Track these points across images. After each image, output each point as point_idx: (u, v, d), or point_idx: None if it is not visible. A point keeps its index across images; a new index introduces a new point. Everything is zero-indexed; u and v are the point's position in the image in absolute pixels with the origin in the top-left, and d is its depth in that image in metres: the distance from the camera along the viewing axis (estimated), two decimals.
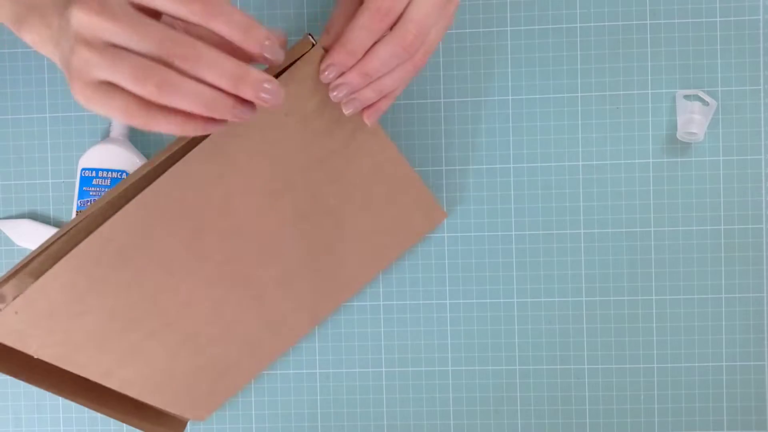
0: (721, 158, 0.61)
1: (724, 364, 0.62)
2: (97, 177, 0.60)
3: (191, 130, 0.39)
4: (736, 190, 0.61)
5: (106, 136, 0.63)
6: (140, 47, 0.37)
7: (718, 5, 0.61)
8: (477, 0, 0.62)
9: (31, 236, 0.63)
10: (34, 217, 0.64)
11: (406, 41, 0.43)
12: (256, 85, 0.37)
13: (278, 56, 0.39)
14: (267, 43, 0.38)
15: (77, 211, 0.61)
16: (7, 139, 0.64)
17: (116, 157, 0.60)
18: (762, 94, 0.61)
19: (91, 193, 0.60)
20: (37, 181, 0.64)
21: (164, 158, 0.45)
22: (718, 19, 0.61)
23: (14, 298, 0.45)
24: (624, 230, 0.62)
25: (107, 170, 0.60)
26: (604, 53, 0.62)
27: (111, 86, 0.37)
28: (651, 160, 0.62)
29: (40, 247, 0.44)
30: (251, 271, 0.52)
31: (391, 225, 0.57)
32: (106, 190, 0.60)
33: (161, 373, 0.54)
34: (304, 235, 0.52)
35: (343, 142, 0.49)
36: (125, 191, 0.45)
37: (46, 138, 0.64)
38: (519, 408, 0.63)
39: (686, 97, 0.61)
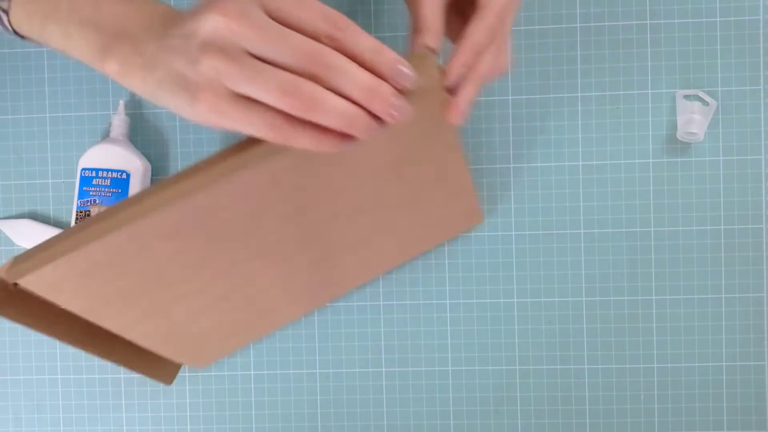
0: (721, 158, 0.61)
1: (724, 364, 0.62)
2: (97, 177, 0.60)
3: (326, 146, 0.37)
4: (736, 190, 0.61)
5: (106, 136, 0.63)
6: (284, 59, 0.35)
7: (718, 5, 0.61)
8: None
9: (31, 236, 0.63)
10: (34, 217, 0.64)
11: (495, 31, 0.43)
12: (387, 99, 0.36)
13: (408, 81, 0.38)
14: (399, 66, 0.37)
15: (78, 212, 0.60)
16: (7, 139, 0.64)
17: (116, 157, 0.60)
18: (762, 94, 0.61)
19: (91, 193, 0.60)
20: (37, 181, 0.64)
21: (223, 156, 0.44)
22: (718, 19, 0.61)
23: (60, 256, 0.45)
24: (624, 230, 0.62)
25: (107, 170, 0.60)
26: (604, 53, 0.62)
27: (249, 99, 0.36)
28: (651, 160, 0.62)
29: (92, 219, 0.45)
30: (292, 253, 0.53)
31: (435, 219, 0.57)
32: (106, 189, 0.60)
33: (178, 329, 0.56)
34: (349, 222, 0.53)
35: (416, 144, 0.49)
36: (184, 179, 0.44)
37: (46, 138, 0.64)
38: (519, 408, 0.63)
39: (686, 97, 0.61)
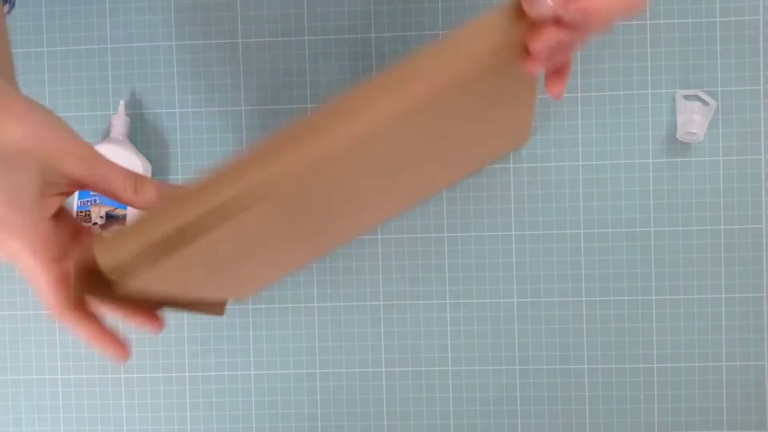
0: (721, 158, 0.61)
1: (724, 364, 0.62)
2: None
3: None
4: (736, 190, 0.61)
5: (106, 136, 0.63)
6: None
7: (718, 5, 0.61)
8: (477, 1, 0.62)
9: None
10: None
11: None
12: None
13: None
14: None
15: (78, 212, 0.60)
16: None
17: (117, 157, 0.60)
18: (762, 94, 0.61)
19: (91, 193, 0.60)
20: None
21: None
22: (718, 19, 0.61)
23: (176, 249, 0.41)
24: (624, 230, 0.62)
25: None
26: (604, 53, 0.62)
27: None
28: (651, 160, 0.62)
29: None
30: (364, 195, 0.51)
31: (491, 138, 0.55)
32: None
33: (243, 280, 0.55)
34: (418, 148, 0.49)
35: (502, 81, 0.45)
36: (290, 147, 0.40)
37: None
38: (519, 408, 0.63)
39: (686, 97, 0.61)
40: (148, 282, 0.43)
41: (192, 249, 0.41)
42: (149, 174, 0.62)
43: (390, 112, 0.40)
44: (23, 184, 0.40)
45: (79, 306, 0.42)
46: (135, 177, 0.44)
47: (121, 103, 0.62)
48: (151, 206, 0.43)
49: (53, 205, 0.42)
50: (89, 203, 0.60)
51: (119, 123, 0.61)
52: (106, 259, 0.40)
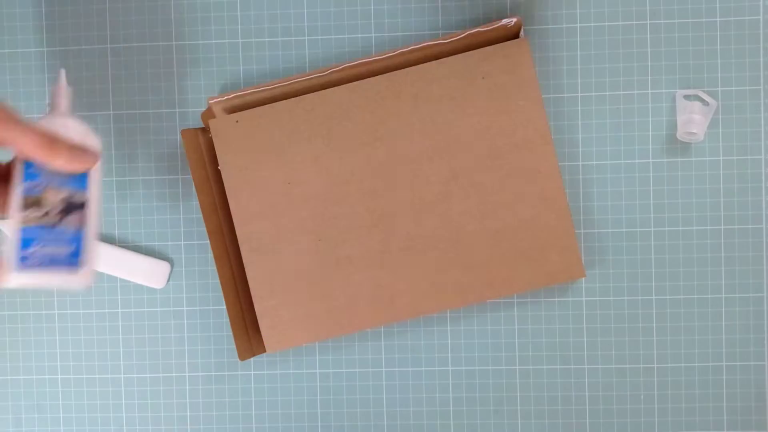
0: (721, 158, 0.61)
1: (724, 364, 0.62)
2: None
3: None
4: (736, 190, 0.61)
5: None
6: None
7: (718, 5, 0.61)
8: (477, 1, 0.62)
9: None
10: None
11: None
12: None
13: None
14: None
15: (26, 197, 0.47)
16: None
17: (70, 132, 0.49)
18: (762, 94, 0.61)
19: (40, 176, 0.51)
20: None
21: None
22: (718, 19, 0.61)
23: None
24: (624, 230, 0.62)
25: None
26: (604, 53, 0.62)
27: None
28: (651, 160, 0.62)
29: None
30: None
31: (527, 254, 0.59)
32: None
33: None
34: (449, 224, 0.59)
35: (515, 143, 0.58)
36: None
37: None
38: (519, 408, 0.63)
39: (686, 97, 0.61)
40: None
41: None
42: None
43: None
44: None
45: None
46: (51, 137, 0.46)
47: (62, 71, 0.51)
48: (62, 166, 0.46)
49: None
50: (40, 188, 0.48)
51: (63, 94, 0.51)
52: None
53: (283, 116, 0.59)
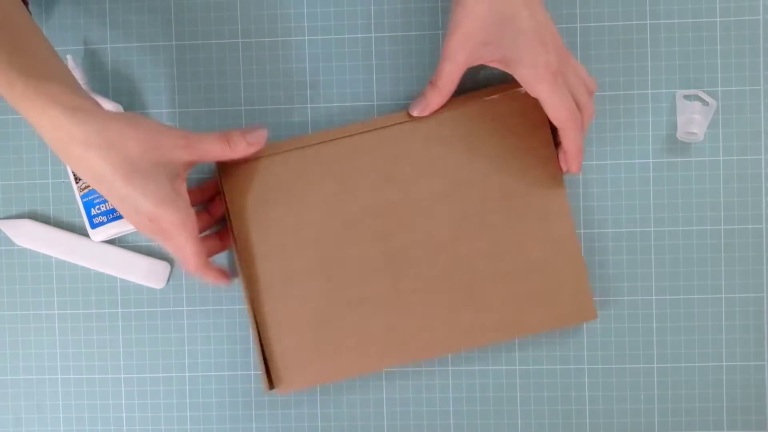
0: (721, 158, 0.61)
1: (724, 364, 0.62)
2: None
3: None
4: (736, 190, 0.61)
5: None
6: None
7: (718, 5, 0.61)
8: None
9: (31, 236, 0.63)
10: (34, 217, 0.64)
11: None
12: None
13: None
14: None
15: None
16: (7, 139, 0.64)
17: None
18: (762, 94, 0.61)
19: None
20: (37, 181, 0.64)
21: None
22: (718, 19, 0.61)
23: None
24: (624, 230, 0.62)
25: None
26: (604, 53, 0.62)
27: None
28: (651, 160, 0.62)
29: None
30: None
31: (539, 296, 0.59)
32: None
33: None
34: (460, 264, 0.59)
35: (526, 188, 0.59)
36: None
37: None
38: (519, 408, 0.63)
39: (686, 97, 0.61)
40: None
41: None
42: None
43: None
44: (165, 186, 0.50)
45: (208, 263, 0.55)
46: (225, 137, 0.53)
47: (69, 57, 0.60)
48: (244, 154, 0.55)
49: (183, 191, 0.52)
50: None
51: (77, 75, 0.59)
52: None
53: (294, 158, 0.59)
